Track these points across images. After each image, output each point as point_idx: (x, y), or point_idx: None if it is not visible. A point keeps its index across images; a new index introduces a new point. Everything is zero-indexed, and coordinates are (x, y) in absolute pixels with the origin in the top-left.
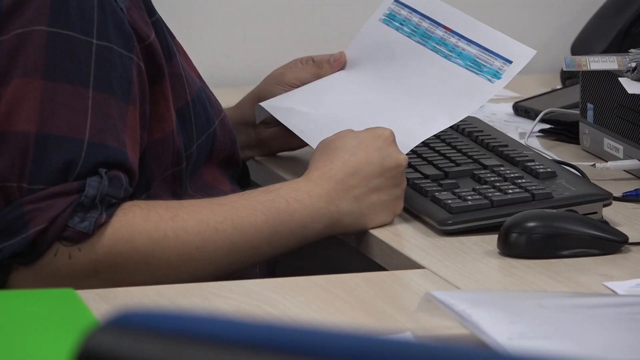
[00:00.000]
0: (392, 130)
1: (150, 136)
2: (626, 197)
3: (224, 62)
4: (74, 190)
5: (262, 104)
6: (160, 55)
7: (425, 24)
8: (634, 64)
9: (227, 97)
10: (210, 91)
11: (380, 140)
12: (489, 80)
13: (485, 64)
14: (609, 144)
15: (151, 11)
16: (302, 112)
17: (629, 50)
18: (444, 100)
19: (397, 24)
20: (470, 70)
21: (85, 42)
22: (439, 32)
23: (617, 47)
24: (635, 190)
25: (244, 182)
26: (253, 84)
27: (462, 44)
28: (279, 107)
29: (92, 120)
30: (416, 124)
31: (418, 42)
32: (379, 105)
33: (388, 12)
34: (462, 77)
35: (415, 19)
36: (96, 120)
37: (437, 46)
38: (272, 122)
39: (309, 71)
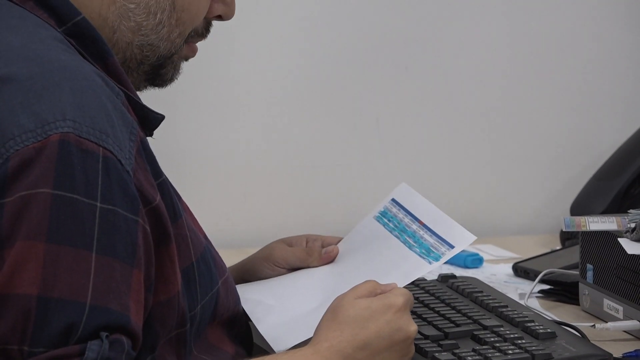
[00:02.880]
0: (405, 297)
1: (156, 298)
2: (626, 358)
3: (224, 224)
4: (75, 354)
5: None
6: (166, 218)
7: (406, 220)
8: (633, 225)
9: (228, 259)
10: (216, 251)
11: (391, 312)
12: (429, 262)
13: (435, 251)
14: (609, 304)
15: (157, 173)
16: (268, 304)
17: (628, 211)
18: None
19: (386, 220)
20: (420, 256)
21: (89, 205)
22: (414, 227)
23: (616, 208)
24: (636, 351)
25: (246, 342)
26: (254, 245)
27: (426, 236)
28: (247, 298)
29: (94, 284)
30: None
31: (396, 235)
32: (338, 291)
33: (383, 209)
34: (409, 259)
35: (401, 215)
36: (99, 284)
37: (408, 239)
38: None
39: (297, 256)
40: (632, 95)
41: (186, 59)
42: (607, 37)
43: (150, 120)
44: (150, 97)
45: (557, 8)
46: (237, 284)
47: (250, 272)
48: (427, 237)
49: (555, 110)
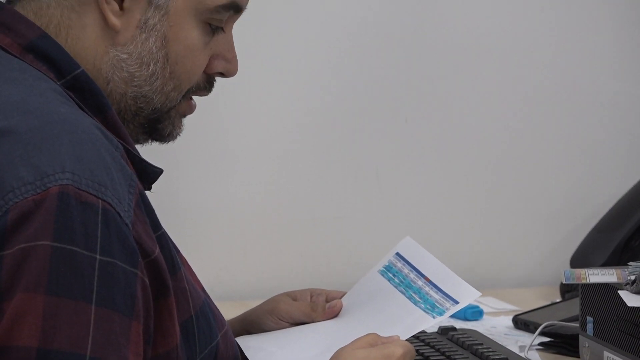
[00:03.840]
0: (405, 349)
1: (155, 351)
2: None
3: (224, 276)
4: None
5: (239, 341)
6: (165, 270)
7: (412, 275)
8: (633, 277)
9: (228, 311)
10: (214, 304)
11: None
12: (433, 317)
13: (439, 306)
14: (609, 357)
15: (156, 225)
16: (270, 351)
17: (628, 264)
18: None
19: (391, 275)
20: (425, 311)
21: (89, 257)
22: (420, 283)
23: (616, 260)
24: None
25: None
26: (254, 297)
27: (432, 292)
28: (250, 346)
29: (94, 336)
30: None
31: (401, 291)
32: (341, 343)
33: (387, 263)
34: (414, 314)
35: (406, 270)
36: (98, 336)
37: (414, 294)
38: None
39: (302, 310)
40: (630, 148)
41: (184, 116)
42: (605, 90)
43: (148, 174)
44: (149, 150)
45: (555, 60)
46: (240, 335)
47: (253, 324)
48: (432, 293)
49: (555, 162)
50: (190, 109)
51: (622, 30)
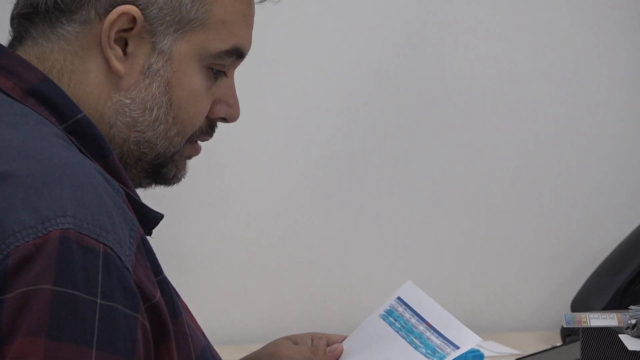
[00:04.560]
0: None
1: None
2: None
3: (224, 319)
4: None
5: None
6: (166, 314)
7: (413, 320)
8: (633, 321)
9: (229, 355)
10: (215, 350)
11: None
12: None
13: (440, 351)
14: None
15: (157, 270)
16: None
17: (629, 307)
18: None
19: (392, 319)
20: (426, 356)
21: (90, 301)
22: (421, 328)
23: (616, 304)
24: None
25: None
26: (254, 341)
27: (433, 337)
28: None
29: None
30: None
31: (402, 336)
32: None
33: (389, 308)
34: (414, 359)
35: (408, 315)
36: None
37: (415, 339)
38: None
39: (303, 354)
40: (631, 192)
41: (189, 158)
42: (606, 134)
43: (149, 219)
44: (149, 194)
45: (556, 104)
46: None
47: None
48: (433, 338)
49: (555, 206)
50: (196, 151)
51: (624, 74)
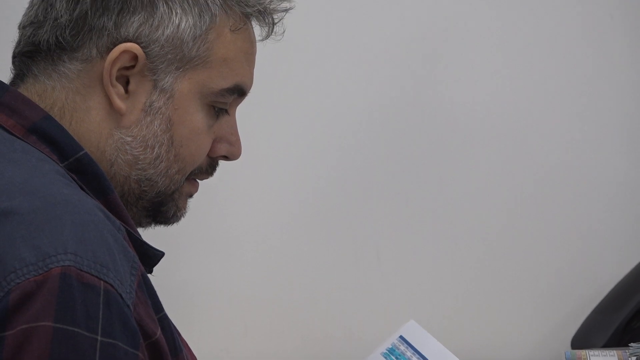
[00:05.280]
0: None
1: None
2: None
3: (225, 358)
4: None
5: None
6: (166, 352)
7: (415, 359)
8: (634, 358)
9: None
10: None
11: None
12: None
13: None
14: None
15: (158, 308)
16: None
17: (629, 345)
18: None
19: (394, 358)
20: None
21: (90, 339)
22: None
23: (617, 341)
24: None
25: None
26: None
27: None
28: None
29: None
30: None
31: None
32: None
33: (390, 346)
34: None
35: (409, 353)
36: None
37: None
38: None
39: None
40: (631, 229)
41: (190, 196)
42: (606, 171)
43: (150, 257)
44: (150, 231)
45: (556, 141)
46: None
47: None
48: None
49: (555, 243)
50: (194, 188)
51: (625, 115)
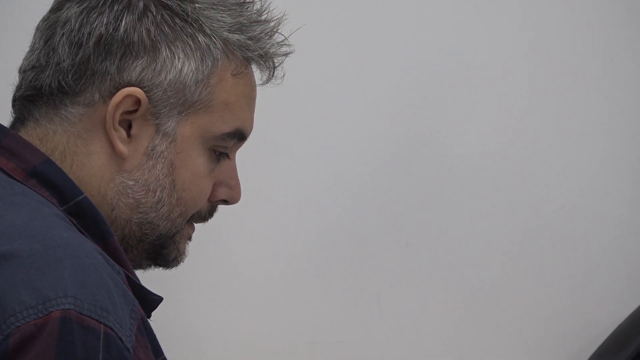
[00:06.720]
0: None
1: None
2: None
3: None
4: None
5: None
6: None
7: None
8: None
9: None
10: None
11: None
12: None
13: None
14: None
15: (158, 351)
16: None
17: None
18: None
19: None
20: None
21: None
22: None
23: None
24: None
25: None
26: None
27: None
28: None
29: None
30: None
31: None
32: None
33: None
34: None
35: None
36: None
37: None
38: None
39: None
40: (631, 272)
41: (189, 238)
42: (607, 213)
43: (148, 302)
44: (149, 276)
45: (557, 182)
46: None
47: None
48: None
49: (555, 286)
50: (192, 229)
51: (624, 155)
